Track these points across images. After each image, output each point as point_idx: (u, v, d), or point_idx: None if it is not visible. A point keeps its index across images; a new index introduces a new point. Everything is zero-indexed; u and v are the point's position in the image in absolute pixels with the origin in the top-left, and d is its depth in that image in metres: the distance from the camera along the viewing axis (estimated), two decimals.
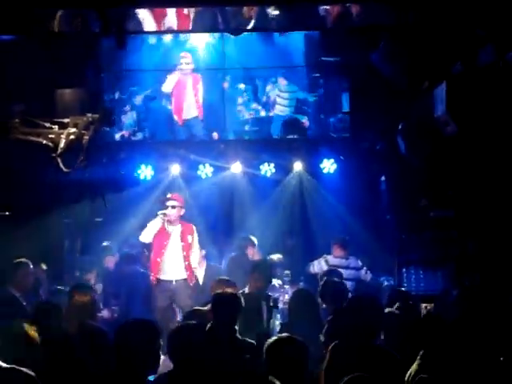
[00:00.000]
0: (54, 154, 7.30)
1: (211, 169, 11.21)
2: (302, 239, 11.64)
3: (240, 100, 12.39)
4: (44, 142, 7.52)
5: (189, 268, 9.56)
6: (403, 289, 9.07)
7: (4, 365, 4.39)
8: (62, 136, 7.31)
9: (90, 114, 7.65)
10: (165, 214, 9.50)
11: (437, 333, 5.03)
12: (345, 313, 5.49)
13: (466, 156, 8.64)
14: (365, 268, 10.00)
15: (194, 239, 9.70)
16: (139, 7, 9.36)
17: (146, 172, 11.05)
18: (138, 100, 12.14)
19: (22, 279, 8.28)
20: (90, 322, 5.74)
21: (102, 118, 7.61)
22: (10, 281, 8.24)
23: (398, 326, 5.83)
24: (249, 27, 10.23)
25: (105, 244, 10.95)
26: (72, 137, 7.39)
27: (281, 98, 12.25)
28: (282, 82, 12.19)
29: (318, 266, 10.02)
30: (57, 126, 7.54)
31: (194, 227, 9.78)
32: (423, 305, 8.87)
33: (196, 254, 9.72)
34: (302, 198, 11.61)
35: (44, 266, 9.45)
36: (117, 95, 11.95)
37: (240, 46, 11.82)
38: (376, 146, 10.81)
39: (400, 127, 9.47)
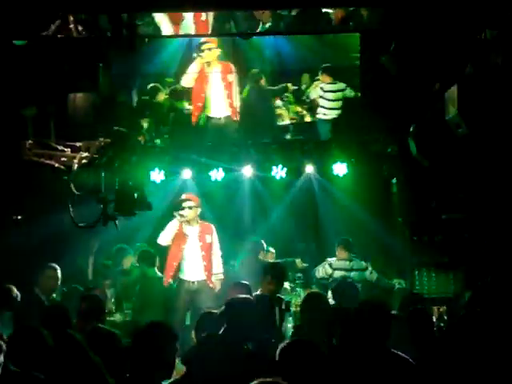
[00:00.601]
0: (66, 177, 7.38)
1: (223, 172, 11.21)
2: (314, 242, 11.64)
3: (279, 102, 11.82)
4: (56, 164, 7.59)
5: (208, 268, 9.60)
6: (415, 292, 9.05)
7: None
8: (74, 160, 7.38)
9: (102, 139, 7.73)
10: (182, 215, 9.54)
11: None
12: (355, 317, 5.47)
13: (477, 158, 8.61)
14: (370, 268, 9.99)
15: (213, 239, 9.73)
16: (152, 11, 9.43)
17: (157, 176, 11.06)
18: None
19: (47, 282, 8.39)
20: (101, 326, 5.75)
21: (116, 142, 7.65)
22: (36, 283, 8.34)
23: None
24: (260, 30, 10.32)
25: (119, 246, 10.94)
26: (84, 161, 7.47)
27: (324, 99, 11.63)
28: (326, 79, 11.56)
29: (323, 270, 10.04)
30: (69, 149, 7.61)
31: (214, 227, 9.81)
32: (435, 307, 8.87)
33: (217, 256, 9.73)
34: (313, 200, 11.61)
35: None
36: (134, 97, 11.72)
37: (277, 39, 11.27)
38: (387, 148, 10.79)
39: (411, 129, 9.44)
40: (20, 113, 9.78)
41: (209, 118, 11.35)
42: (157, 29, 10.17)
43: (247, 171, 11.29)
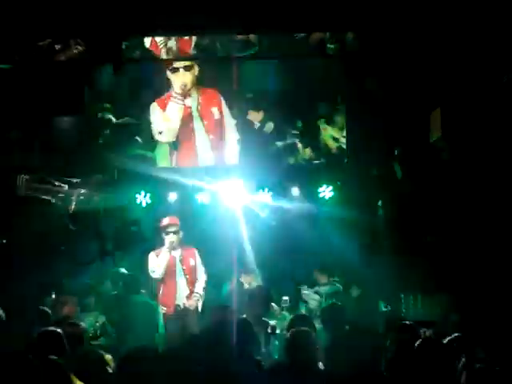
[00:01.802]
0: (62, 213, 7.42)
1: (209, 195, 11.18)
2: (301, 265, 11.60)
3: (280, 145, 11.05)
4: (53, 200, 7.59)
5: (192, 292, 9.55)
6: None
7: None
8: (72, 197, 7.40)
9: (100, 175, 7.76)
10: (171, 242, 9.47)
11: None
12: (343, 341, 5.47)
13: (461, 181, 8.66)
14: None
15: (196, 263, 9.66)
16: (145, 36, 9.45)
17: (143, 199, 11.01)
18: None
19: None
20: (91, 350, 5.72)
21: (113, 178, 7.68)
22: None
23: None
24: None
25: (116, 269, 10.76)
26: (82, 197, 7.50)
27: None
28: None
29: (315, 303, 10.05)
30: (67, 186, 7.62)
31: (196, 251, 9.77)
32: (422, 330, 8.84)
33: (201, 279, 9.68)
34: (299, 223, 11.58)
35: None
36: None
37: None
38: (373, 171, 10.83)
39: (396, 152, 9.50)
40: (5, 136, 9.78)
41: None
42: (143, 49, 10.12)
43: (234, 194, 11.28)
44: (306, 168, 11.40)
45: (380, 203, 11.09)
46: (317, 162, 11.38)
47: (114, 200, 10.36)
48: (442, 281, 9.85)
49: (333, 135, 11.07)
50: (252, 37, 10.23)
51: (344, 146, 10.97)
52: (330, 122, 10.92)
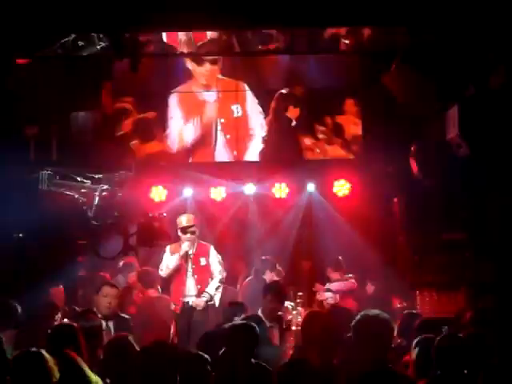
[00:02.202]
0: (85, 207, 7.44)
1: (224, 191, 11.22)
2: (316, 261, 11.61)
3: (308, 140, 11.04)
4: (76, 196, 7.62)
5: (201, 291, 9.46)
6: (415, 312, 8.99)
7: None
8: (95, 193, 7.42)
9: (123, 172, 7.79)
10: (189, 244, 9.36)
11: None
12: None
13: (478, 178, 8.62)
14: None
15: (209, 261, 9.61)
16: (156, 31, 9.47)
17: (158, 194, 11.06)
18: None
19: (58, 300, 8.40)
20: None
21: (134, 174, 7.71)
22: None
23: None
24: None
25: (123, 262, 10.80)
26: (105, 193, 7.52)
27: None
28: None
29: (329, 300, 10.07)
30: (89, 181, 7.64)
31: (211, 247, 9.68)
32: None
33: (216, 278, 9.57)
34: (315, 219, 11.59)
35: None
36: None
37: None
38: (388, 167, 10.81)
39: (412, 149, 9.46)
40: (22, 132, 9.83)
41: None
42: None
43: (248, 190, 11.31)
44: (323, 164, 11.40)
45: (396, 200, 11.08)
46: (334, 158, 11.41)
47: (137, 195, 10.43)
48: (458, 278, 9.82)
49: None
50: (271, 32, 10.26)
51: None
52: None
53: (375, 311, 5.14)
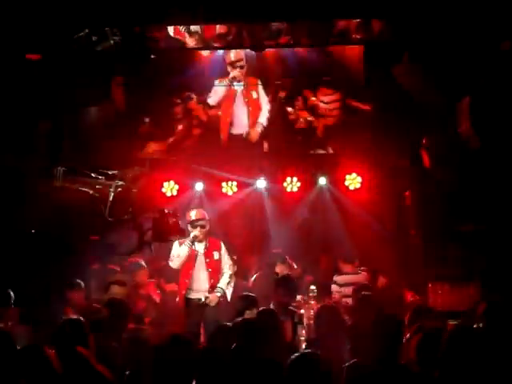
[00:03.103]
0: (99, 203, 7.48)
1: (235, 185, 11.21)
2: (330, 254, 11.58)
3: (289, 109, 11.65)
4: (91, 191, 7.66)
5: (213, 286, 9.45)
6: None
7: None
8: (110, 189, 7.46)
9: (137, 168, 7.84)
10: (195, 237, 9.38)
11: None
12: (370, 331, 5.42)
13: (490, 170, 8.59)
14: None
15: (221, 255, 9.56)
16: (166, 24, 9.47)
17: (169, 189, 11.07)
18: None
19: (77, 301, 8.35)
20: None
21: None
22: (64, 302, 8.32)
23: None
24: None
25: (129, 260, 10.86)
26: (119, 189, 7.56)
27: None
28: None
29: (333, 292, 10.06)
30: (103, 177, 7.67)
31: (221, 243, 9.68)
32: (449, 321, 8.78)
33: (226, 273, 9.58)
34: (326, 213, 11.57)
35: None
36: None
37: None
38: (400, 160, 10.77)
39: (424, 142, 9.44)
40: (34, 126, 9.87)
41: (231, 136, 11.37)
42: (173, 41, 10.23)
43: (260, 184, 11.30)
44: (334, 158, 11.38)
45: (408, 192, 11.05)
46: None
47: (151, 191, 10.45)
48: (470, 271, 9.78)
49: None
50: (280, 25, 10.25)
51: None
52: None
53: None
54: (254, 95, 11.18)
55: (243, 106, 11.25)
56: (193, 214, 9.55)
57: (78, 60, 9.32)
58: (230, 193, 11.29)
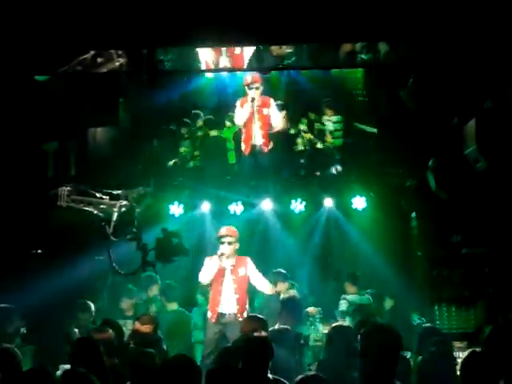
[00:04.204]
0: (103, 223, 7.51)
1: (241, 206, 11.23)
2: (333, 276, 11.57)
3: (293, 131, 12.08)
4: (95, 211, 7.70)
5: (240, 302, 9.58)
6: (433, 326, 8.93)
7: None
8: (114, 209, 7.50)
9: (141, 188, 7.87)
10: (222, 253, 9.52)
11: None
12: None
13: (496, 192, 8.58)
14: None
15: (248, 271, 9.68)
16: (176, 46, 9.53)
17: (176, 209, 11.10)
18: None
19: (84, 323, 8.43)
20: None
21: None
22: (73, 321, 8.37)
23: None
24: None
25: (149, 274, 10.81)
26: (124, 209, 7.61)
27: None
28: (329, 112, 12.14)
29: (344, 305, 10.06)
30: (108, 197, 7.71)
31: (249, 259, 9.81)
32: (456, 343, 8.76)
33: (261, 285, 9.70)
34: (333, 234, 11.57)
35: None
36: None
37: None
38: (406, 182, 10.78)
39: (430, 163, 9.44)
40: (41, 148, 9.91)
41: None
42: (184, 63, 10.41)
43: (266, 205, 11.32)
44: (340, 179, 11.40)
45: (414, 215, 11.05)
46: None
47: (155, 212, 10.52)
48: (477, 293, 9.75)
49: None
50: (288, 47, 10.34)
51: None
52: None
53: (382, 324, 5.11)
54: (265, 112, 11.48)
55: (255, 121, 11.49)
56: (222, 230, 9.75)
57: (84, 81, 9.38)
58: (236, 213, 11.30)
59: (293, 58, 10.83)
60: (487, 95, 8.09)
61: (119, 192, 8.18)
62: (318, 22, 7.15)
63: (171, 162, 11.95)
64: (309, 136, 11.89)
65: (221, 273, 9.62)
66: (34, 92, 9.25)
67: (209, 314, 9.67)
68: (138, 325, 7.67)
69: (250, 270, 9.70)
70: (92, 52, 8.69)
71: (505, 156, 7.76)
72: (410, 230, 11.24)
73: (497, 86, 7.96)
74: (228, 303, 9.61)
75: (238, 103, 11.39)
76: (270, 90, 11.72)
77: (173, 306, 10.24)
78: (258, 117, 11.34)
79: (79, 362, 5.28)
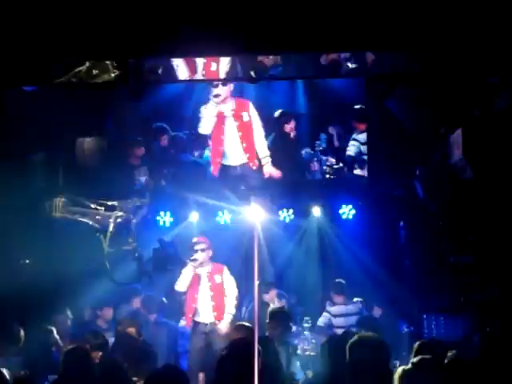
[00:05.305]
0: (98, 234, 7.54)
1: (230, 215, 11.23)
2: (322, 285, 11.57)
3: (308, 150, 11.09)
4: (90, 222, 7.71)
5: (217, 309, 9.64)
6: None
7: None
8: (110, 220, 7.53)
9: (136, 199, 7.90)
10: (195, 260, 9.67)
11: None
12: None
13: (483, 201, 8.62)
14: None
15: (224, 279, 9.89)
16: (167, 57, 9.53)
17: (165, 219, 11.10)
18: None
19: (62, 326, 8.48)
20: None
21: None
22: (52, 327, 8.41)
23: None
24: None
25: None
26: (119, 220, 7.64)
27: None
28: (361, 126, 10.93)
29: (323, 319, 10.08)
30: (103, 208, 7.73)
31: (225, 267, 9.90)
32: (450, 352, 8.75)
33: (230, 297, 9.76)
34: (320, 243, 11.57)
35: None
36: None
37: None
38: (394, 191, 10.81)
39: (417, 172, 9.48)
40: (29, 158, 9.89)
41: (224, 167, 10.86)
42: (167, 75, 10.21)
43: (255, 214, 11.28)
44: (328, 187, 11.40)
45: (402, 223, 11.07)
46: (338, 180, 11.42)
47: (150, 222, 10.57)
48: (464, 301, 9.78)
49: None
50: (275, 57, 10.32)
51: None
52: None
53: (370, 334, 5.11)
54: (245, 117, 10.62)
55: (233, 131, 10.66)
56: (194, 239, 9.99)
57: (75, 91, 9.37)
58: (223, 223, 11.29)
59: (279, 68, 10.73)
60: (474, 105, 8.14)
61: (115, 203, 8.23)
62: (304, 31, 7.19)
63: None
64: (329, 159, 10.99)
65: (196, 280, 9.71)
66: (21, 102, 9.23)
67: (182, 322, 9.78)
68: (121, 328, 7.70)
69: (225, 278, 9.78)
70: (87, 63, 8.68)
71: (490, 164, 7.81)
72: (398, 239, 11.25)
73: (483, 95, 8.01)
74: (204, 311, 9.74)
75: (201, 109, 10.44)
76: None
77: (153, 318, 10.23)
78: (236, 125, 10.53)
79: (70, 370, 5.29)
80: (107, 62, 8.18)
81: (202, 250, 9.83)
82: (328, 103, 11.11)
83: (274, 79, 10.46)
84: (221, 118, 10.47)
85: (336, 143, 11.28)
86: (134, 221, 8.20)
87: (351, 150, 10.89)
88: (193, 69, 9.98)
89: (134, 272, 9.27)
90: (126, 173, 10.93)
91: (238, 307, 10.52)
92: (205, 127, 10.52)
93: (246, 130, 10.55)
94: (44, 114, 9.60)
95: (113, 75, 8.46)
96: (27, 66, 7.99)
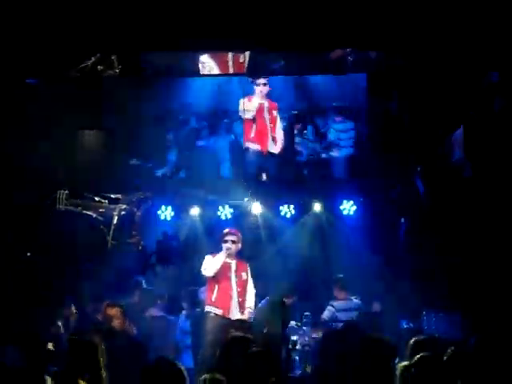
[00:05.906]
0: (102, 226, 7.55)
1: (231, 210, 11.25)
2: (322, 280, 11.59)
3: (298, 139, 12.11)
4: (94, 215, 7.73)
5: (241, 305, 9.62)
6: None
7: None
8: (114, 213, 7.54)
9: (140, 192, 7.90)
10: (228, 248, 9.62)
11: None
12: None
13: (484, 199, 8.64)
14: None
15: (248, 276, 9.84)
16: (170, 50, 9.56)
17: (166, 213, 11.10)
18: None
19: (67, 320, 8.53)
20: None
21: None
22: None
23: None
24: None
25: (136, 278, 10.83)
26: (123, 213, 7.64)
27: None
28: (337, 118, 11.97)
29: (328, 313, 10.10)
30: (107, 201, 7.74)
31: (248, 266, 9.92)
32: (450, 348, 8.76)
33: (251, 292, 9.80)
34: (321, 239, 11.59)
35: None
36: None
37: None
38: (395, 188, 10.83)
39: (418, 170, 9.50)
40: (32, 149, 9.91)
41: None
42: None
43: (256, 208, 11.33)
44: (328, 184, 11.43)
45: (402, 220, 11.08)
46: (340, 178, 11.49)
47: (154, 215, 10.56)
48: (464, 300, 9.80)
49: None
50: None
51: None
52: None
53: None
54: (275, 114, 11.48)
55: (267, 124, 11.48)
56: (226, 230, 9.92)
57: (77, 84, 9.39)
58: (225, 218, 11.31)
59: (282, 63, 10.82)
60: (474, 104, 8.16)
61: (118, 196, 8.25)
62: (308, 30, 7.22)
63: (159, 173, 11.83)
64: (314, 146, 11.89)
65: (226, 269, 9.65)
66: (25, 95, 9.26)
67: (214, 311, 9.63)
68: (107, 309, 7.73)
69: (249, 275, 9.80)
70: (93, 59, 8.70)
71: (490, 162, 7.83)
72: (399, 236, 11.26)
73: (483, 95, 8.03)
74: (229, 306, 9.63)
75: (243, 99, 11.22)
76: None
77: (153, 312, 10.25)
78: (269, 118, 11.33)
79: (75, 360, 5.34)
80: (112, 57, 8.22)
81: (233, 242, 9.74)
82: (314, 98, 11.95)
83: (277, 74, 10.53)
84: (261, 110, 11.28)
85: (320, 131, 12.17)
86: (138, 214, 8.20)
87: (331, 135, 11.90)
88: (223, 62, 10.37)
89: (138, 265, 9.33)
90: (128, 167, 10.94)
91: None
92: (247, 110, 11.21)
93: (274, 124, 11.46)
94: (46, 106, 9.63)
95: (117, 70, 8.50)
96: (34, 61, 8.03)
